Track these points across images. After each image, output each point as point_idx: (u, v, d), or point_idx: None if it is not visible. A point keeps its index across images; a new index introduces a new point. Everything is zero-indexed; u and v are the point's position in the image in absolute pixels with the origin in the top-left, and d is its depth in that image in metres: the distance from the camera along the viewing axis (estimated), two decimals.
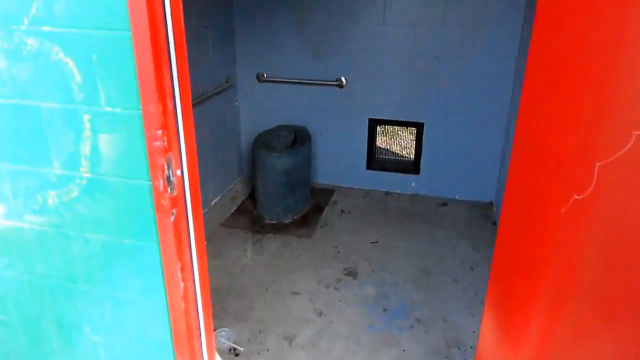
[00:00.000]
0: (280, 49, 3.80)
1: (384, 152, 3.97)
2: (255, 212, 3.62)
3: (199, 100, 3.30)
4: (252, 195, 3.82)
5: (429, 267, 3.03)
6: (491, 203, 3.79)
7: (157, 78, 1.33)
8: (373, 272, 2.98)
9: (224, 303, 2.71)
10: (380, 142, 3.93)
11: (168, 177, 1.44)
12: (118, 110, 1.42)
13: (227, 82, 3.77)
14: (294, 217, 3.56)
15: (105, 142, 1.48)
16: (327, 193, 3.96)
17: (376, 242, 3.30)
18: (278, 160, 3.34)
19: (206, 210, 3.67)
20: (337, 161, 4.03)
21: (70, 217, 1.63)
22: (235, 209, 3.72)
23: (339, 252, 3.19)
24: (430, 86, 3.60)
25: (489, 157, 3.67)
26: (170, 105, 1.40)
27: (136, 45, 1.31)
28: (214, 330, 2.44)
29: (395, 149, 3.92)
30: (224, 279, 2.91)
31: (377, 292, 2.80)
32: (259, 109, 4.05)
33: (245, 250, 3.21)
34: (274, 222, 3.51)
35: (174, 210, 1.50)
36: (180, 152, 1.48)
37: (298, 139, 3.65)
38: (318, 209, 3.71)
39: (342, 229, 3.45)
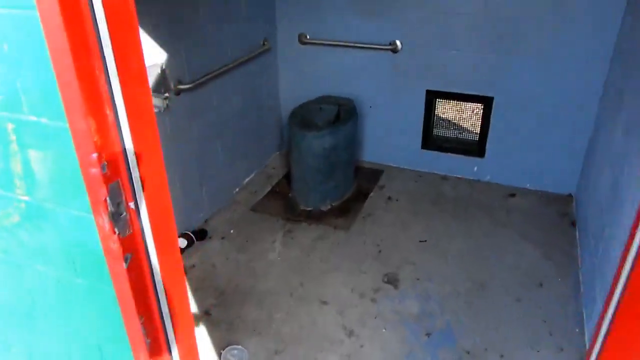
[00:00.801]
0: (326, 5, 3.26)
1: (442, 129, 3.40)
2: (290, 195, 3.22)
3: (227, 68, 2.87)
4: (289, 174, 3.41)
5: (485, 278, 2.52)
6: (570, 196, 3.17)
7: (81, 79, 0.90)
8: (418, 281, 2.52)
9: (242, 310, 2.37)
10: (439, 117, 3.35)
11: (113, 214, 1.04)
12: (44, 120, 1.02)
13: (263, 44, 3.30)
14: (333, 204, 3.13)
15: (36, 160, 1.10)
16: (374, 174, 3.48)
17: (425, 241, 2.82)
18: (315, 141, 2.88)
19: (237, 190, 3.32)
20: (387, 138, 3.51)
21: (15, 244, 1.29)
22: (269, 189, 3.34)
23: (380, 251, 2.74)
24: (504, 54, 2.95)
25: (572, 143, 3.03)
26: (110, 117, 0.98)
27: (45, 28, 0.88)
28: (224, 349, 2.11)
29: (457, 126, 3.34)
30: (245, 279, 2.56)
31: (421, 309, 2.35)
32: (300, 76, 3.57)
33: (274, 242, 2.84)
34: (310, 209, 3.09)
35: (128, 255, 1.11)
36: (132, 180, 1.07)
37: (342, 113, 3.15)
38: (361, 195, 3.25)
39: (387, 221, 2.99)
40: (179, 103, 2.59)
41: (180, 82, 2.56)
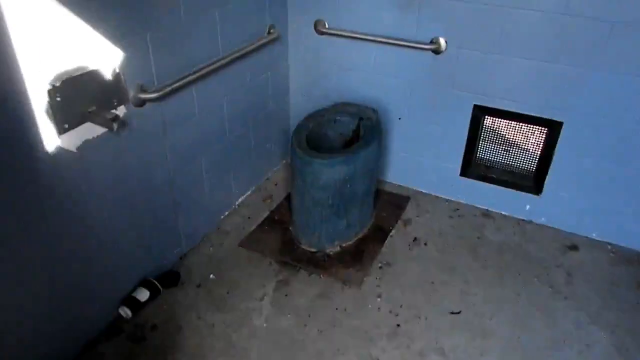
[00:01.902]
0: None
1: (489, 154, 2.68)
2: (290, 229, 2.56)
3: (216, 66, 2.18)
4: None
5: None
6: None
7: None
8: None
9: None
10: (486, 139, 2.62)
11: None
12: None
13: (269, 32, 2.58)
14: (343, 245, 2.47)
15: None
16: (398, 203, 2.79)
17: (459, 312, 2.15)
18: (324, 170, 2.20)
19: (227, 214, 2.68)
20: (418, 158, 2.80)
21: None
22: (266, 216, 2.69)
23: (398, 324, 2.09)
24: (586, 67, 2.19)
25: None
26: None
27: None
28: None
29: (508, 153, 2.61)
30: (216, 355, 1.95)
31: None
32: (315, 74, 2.85)
33: (263, 298, 2.20)
34: (313, 250, 2.44)
35: None
36: None
37: (363, 129, 2.45)
38: (380, 232, 2.58)
39: (410, 277, 2.32)
40: (143, 116, 1.93)
41: (144, 90, 1.88)
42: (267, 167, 2.98)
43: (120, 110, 1.82)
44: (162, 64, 1.94)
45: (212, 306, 2.15)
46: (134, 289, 2.13)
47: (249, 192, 2.84)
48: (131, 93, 1.84)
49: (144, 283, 2.16)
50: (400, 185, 2.93)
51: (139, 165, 1.98)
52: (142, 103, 1.90)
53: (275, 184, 2.95)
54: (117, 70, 1.76)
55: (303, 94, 2.95)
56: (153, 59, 1.90)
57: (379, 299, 2.19)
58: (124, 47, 1.76)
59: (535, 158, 2.56)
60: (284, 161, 3.12)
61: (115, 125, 1.66)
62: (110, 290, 2.03)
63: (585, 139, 2.35)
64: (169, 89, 1.94)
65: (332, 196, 2.26)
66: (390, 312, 2.14)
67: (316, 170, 2.19)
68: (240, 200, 2.78)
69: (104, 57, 1.70)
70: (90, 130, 1.71)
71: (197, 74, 2.09)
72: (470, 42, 2.37)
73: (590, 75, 2.20)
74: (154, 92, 1.90)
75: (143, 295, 2.12)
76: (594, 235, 2.56)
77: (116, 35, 1.71)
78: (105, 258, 1.94)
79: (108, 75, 1.73)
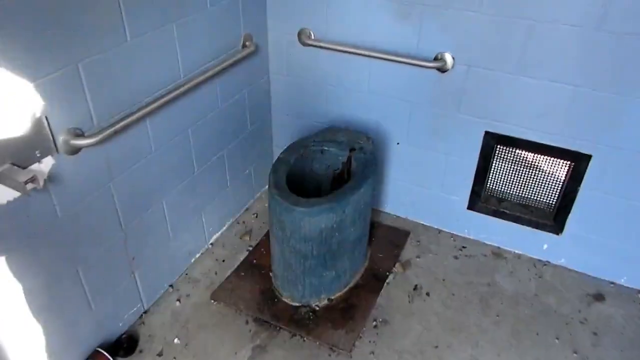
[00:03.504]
0: None
1: (502, 187, 2.31)
2: (270, 275, 2.20)
3: (175, 94, 1.79)
4: None
5: None
6: None
7: None
8: None
9: None
10: (500, 171, 2.25)
11: None
12: None
13: (244, 45, 2.18)
14: (331, 298, 2.11)
15: None
16: (397, 239, 2.43)
17: None
18: (307, 220, 1.83)
19: (197, 256, 2.31)
20: (420, 188, 2.44)
21: None
22: (243, 258, 2.32)
23: None
24: (626, 94, 1.82)
25: None
26: None
27: None
28: None
29: (524, 187, 2.24)
30: None
31: None
32: (300, 91, 2.46)
33: None
34: (296, 304, 2.08)
35: None
36: None
37: (354, 162, 2.08)
38: (375, 278, 2.22)
39: (411, 337, 1.97)
40: (80, 164, 1.55)
41: (78, 134, 1.50)
42: (246, 196, 2.61)
43: (46, 164, 1.44)
44: (102, 99, 1.56)
45: None
46: None
47: (224, 227, 2.48)
48: (60, 140, 1.46)
49: (93, 356, 1.80)
50: (399, 217, 2.57)
51: (76, 225, 1.60)
52: (76, 150, 1.52)
53: (255, 216, 2.59)
54: (38, 115, 1.37)
55: (287, 113, 2.56)
56: (89, 94, 1.51)
57: None
58: (46, 84, 1.37)
59: (557, 193, 2.19)
60: (265, 187, 2.74)
61: (29, 189, 1.28)
62: None
63: (617, 175, 1.98)
64: (112, 130, 1.56)
65: (317, 247, 1.90)
66: None
67: (297, 219, 1.82)
68: (214, 237, 2.41)
69: (17, 99, 1.31)
70: (2, 194, 1.34)
71: (152, 106, 1.70)
72: (483, 59, 1.98)
73: (628, 104, 1.82)
74: (91, 135, 1.51)
75: None
76: (622, 281, 2.21)
77: (33, 68, 1.32)
78: (43, 328, 1.58)
79: (26, 122, 1.34)
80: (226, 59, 2.05)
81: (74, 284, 1.66)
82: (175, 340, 1.95)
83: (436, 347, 1.94)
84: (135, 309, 2.00)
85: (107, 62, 1.54)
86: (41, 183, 1.40)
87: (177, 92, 1.80)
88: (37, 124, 1.38)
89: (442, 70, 2.07)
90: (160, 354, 1.90)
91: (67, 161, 1.51)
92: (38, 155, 1.41)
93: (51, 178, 1.46)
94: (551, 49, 1.84)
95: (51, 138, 1.43)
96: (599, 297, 2.16)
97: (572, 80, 1.86)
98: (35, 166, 1.41)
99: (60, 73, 1.40)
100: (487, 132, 2.13)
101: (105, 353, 1.80)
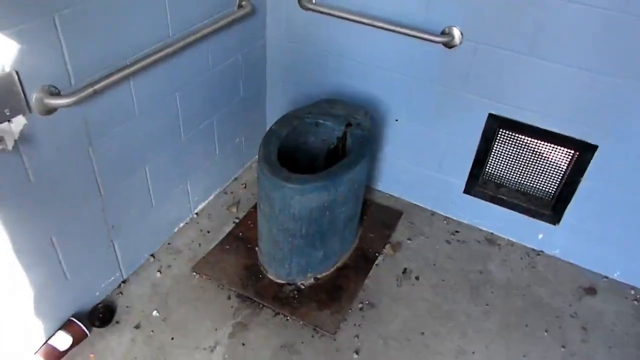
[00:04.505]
0: None
1: (501, 172, 2.22)
2: (256, 249, 2.12)
3: (164, 53, 1.67)
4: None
5: None
6: None
7: None
8: None
9: None
10: (501, 155, 2.16)
11: None
12: None
13: (239, 6, 2.04)
14: (318, 277, 2.04)
15: None
16: (389, 219, 2.35)
17: None
18: (297, 198, 1.74)
19: (181, 226, 2.22)
20: (416, 167, 2.34)
21: None
22: (228, 231, 2.24)
23: None
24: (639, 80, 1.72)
25: None
26: None
27: None
28: None
29: (524, 174, 2.16)
30: None
31: None
32: (298, 58, 2.33)
33: (214, 347, 1.79)
34: (281, 282, 2.01)
35: None
36: None
37: (350, 138, 1.98)
38: (364, 259, 2.15)
39: (397, 323, 1.92)
40: (55, 125, 1.43)
41: (53, 93, 1.38)
42: (235, 166, 2.51)
43: (17, 123, 1.32)
44: (80, 56, 1.43)
45: (151, 359, 1.74)
46: (53, 334, 1.70)
47: (211, 197, 2.38)
48: (34, 98, 1.34)
49: (67, 325, 1.73)
50: (392, 196, 2.48)
51: (50, 191, 1.49)
52: (51, 110, 1.40)
53: (244, 186, 2.49)
54: (7, 70, 1.25)
55: (283, 81, 2.43)
56: (66, 49, 1.38)
57: (356, 356, 1.79)
58: (17, 35, 1.24)
59: (557, 183, 2.11)
60: (256, 157, 2.63)
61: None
62: (18, 339, 1.60)
63: (622, 168, 1.90)
64: (91, 89, 1.43)
65: (307, 226, 1.82)
66: None
67: (287, 196, 1.73)
68: (199, 207, 2.32)
69: None
70: None
71: (136, 66, 1.58)
72: (493, 36, 1.86)
73: None
74: (68, 95, 1.39)
75: (64, 342, 1.69)
76: (615, 276, 2.16)
77: (3, 17, 1.19)
78: (14, 297, 1.50)
79: None
80: (220, 19, 1.91)
81: (48, 252, 1.57)
82: (154, 313, 1.88)
83: (423, 334, 1.89)
84: (113, 278, 1.92)
85: (87, 15, 1.41)
86: (9, 145, 1.29)
87: (165, 52, 1.67)
88: (7, 79, 1.25)
89: (449, 45, 1.95)
90: (137, 327, 1.83)
91: (41, 122, 1.39)
92: (7, 113, 1.29)
93: (22, 139, 1.35)
94: (567, 30, 1.72)
95: (23, 95, 1.30)
96: (591, 291, 2.11)
97: (587, 65, 1.75)
98: (4, 126, 1.29)
99: (33, 24, 1.27)
100: (490, 114, 2.03)
101: (79, 323, 1.73)
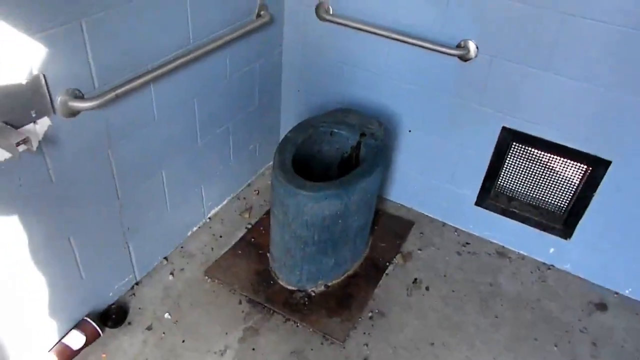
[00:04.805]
0: None
1: (513, 185, 2.23)
2: (268, 255, 2.14)
3: (185, 59, 1.70)
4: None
5: None
6: None
7: None
8: None
9: None
10: (513, 169, 2.17)
11: None
12: None
13: (258, 15, 2.08)
14: (328, 285, 2.06)
15: None
16: (400, 229, 2.36)
17: None
18: (310, 205, 1.76)
19: (194, 230, 2.25)
20: (427, 178, 2.36)
21: None
22: (241, 236, 2.26)
23: None
24: None
25: None
26: None
27: None
28: None
29: (537, 187, 2.16)
30: None
31: None
32: (314, 68, 2.36)
33: (225, 351, 1.81)
34: (292, 288, 2.03)
35: None
36: None
37: (364, 148, 2.00)
38: (374, 268, 2.16)
39: (407, 332, 1.93)
40: (78, 128, 1.47)
41: (78, 96, 1.42)
42: (249, 172, 2.53)
43: (42, 125, 1.36)
44: (105, 61, 1.46)
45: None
46: (67, 333, 1.73)
47: (224, 202, 2.41)
48: (58, 100, 1.37)
49: (80, 325, 1.76)
50: (403, 206, 2.50)
51: (70, 192, 1.53)
52: (75, 113, 1.44)
53: (257, 192, 2.51)
54: (36, 72, 1.28)
55: (298, 90, 2.47)
56: (91, 53, 1.42)
57: None
58: (46, 40, 1.28)
59: (570, 197, 2.11)
60: (270, 164, 2.67)
61: (20, 152, 1.20)
62: (33, 337, 1.63)
63: (636, 184, 1.90)
64: (113, 94, 1.47)
65: (319, 233, 1.84)
66: None
67: (301, 203, 1.75)
68: (212, 212, 2.34)
69: (15, 54, 1.22)
70: None
71: (157, 72, 1.61)
72: (508, 51, 1.88)
73: None
74: (92, 98, 1.43)
75: (77, 341, 1.72)
76: (627, 292, 2.15)
77: (34, 22, 1.23)
78: (31, 295, 1.53)
79: (22, 79, 1.26)
80: (239, 28, 1.95)
81: (65, 252, 1.60)
82: (166, 316, 1.90)
83: (432, 344, 1.89)
84: (126, 279, 1.94)
85: (113, 21, 1.45)
86: (34, 145, 1.33)
87: (185, 58, 1.71)
88: (34, 82, 1.29)
89: (464, 58, 1.97)
90: (149, 328, 1.85)
91: (65, 124, 1.42)
92: (34, 115, 1.32)
93: (46, 141, 1.38)
94: (584, 47, 1.74)
95: (48, 98, 1.34)
96: (602, 307, 2.10)
97: (603, 82, 1.77)
98: (30, 127, 1.33)
99: (62, 29, 1.31)
100: (504, 128, 2.05)
101: (92, 323, 1.76)
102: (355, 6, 2.08)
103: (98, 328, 1.76)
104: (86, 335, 1.74)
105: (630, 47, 1.67)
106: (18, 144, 1.20)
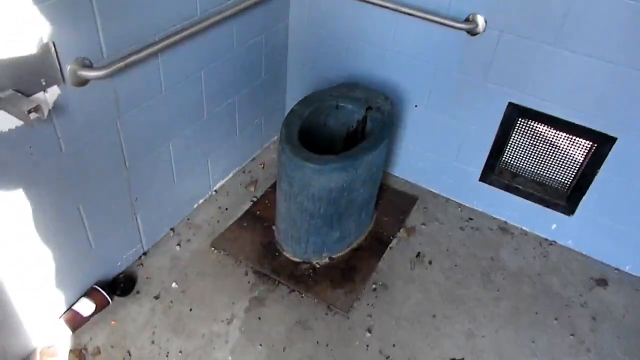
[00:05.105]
0: None
1: (518, 162, 2.24)
2: (273, 228, 2.17)
3: (191, 30, 1.69)
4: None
5: None
6: None
7: None
8: None
9: None
10: (518, 145, 2.17)
11: None
12: None
13: None
14: (333, 257, 2.09)
15: None
16: (404, 204, 2.38)
17: (462, 359, 1.81)
18: (317, 177, 1.77)
19: (200, 203, 2.27)
20: (433, 154, 2.37)
21: None
22: (246, 209, 2.28)
23: None
24: None
25: None
26: None
27: None
28: None
29: (541, 164, 2.17)
30: None
31: None
32: (321, 41, 2.35)
33: (231, 320, 1.85)
34: (297, 260, 2.06)
35: None
36: None
37: (370, 122, 2.00)
38: (379, 242, 2.19)
39: (409, 304, 1.96)
40: (87, 97, 1.48)
41: (87, 65, 1.42)
42: (254, 146, 2.54)
43: (52, 93, 1.36)
44: (113, 30, 1.46)
45: (170, 328, 1.80)
46: (77, 300, 1.77)
47: (230, 175, 2.42)
48: (68, 69, 1.38)
49: (90, 293, 1.79)
50: (408, 182, 2.51)
51: (79, 161, 1.54)
52: (84, 82, 1.44)
53: (262, 166, 2.53)
54: (45, 40, 1.29)
55: (304, 64, 2.46)
56: (100, 23, 1.42)
57: (368, 334, 1.84)
58: (56, 8, 1.27)
59: (574, 174, 2.12)
60: (275, 138, 2.67)
61: (32, 119, 1.21)
62: (44, 304, 1.66)
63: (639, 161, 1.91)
64: (122, 63, 1.47)
65: (325, 206, 1.85)
66: (381, 352, 1.79)
67: (307, 176, 1.76)
68: (218, 185, 2.36)
69: (26, 22, 1.22)
70: (3, 121, 1.27)
71: (165, 42, 1.61)
72: (518, 25, 1.86)
73: None
74: (100, 68, 1.43)
75: (87, 308, 1.76)
76: (627, 269, 2.18)
77: None
78: (43, 263, 1.56)
79: (32, 47, 1.26)
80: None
81: (75, 221, 1.62)
82: (173, 285, 1.94)
83: (434, 316, 1.93)
84: (134, 249, 1.97)
85: None
86: (45, 113, 1.33)
87: (193, 29, 1.70)
88: (44, 50, 1.29)
89: (472, 33, 1.96)
90: (157, 297, 1.89)
91: (74, 93, 1.43)
92: (43, 83, 1.33)
93: (56, 109, 1.39)
94: (595, 22, 1.72)
95: (58, 66, 1.34)
96: (602, 282, 2.13)
97: (613, 58, 1.76)
98: (40, 95, 1.34)
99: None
100: (510, 104, 2.05)
101: (102, 291, 1.79)
102: None
103: (107, 296, 1.80)
104: (96, 303, 1.77)
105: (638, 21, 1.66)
106: (30, 112, 1.20)
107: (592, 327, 1.95)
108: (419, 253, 2.17)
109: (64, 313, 1.74)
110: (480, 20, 1.92)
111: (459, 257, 2.17)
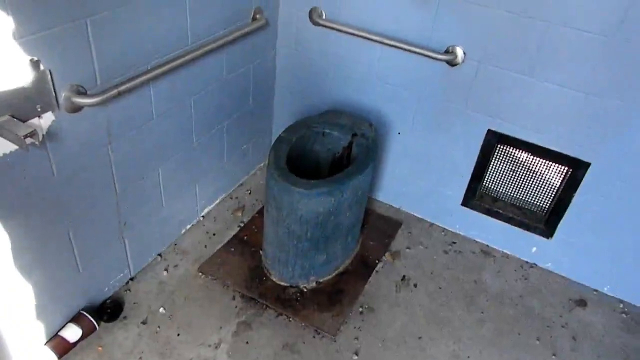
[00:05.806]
0: None
1: (498, 186, 2.31)
2: (260, 252, 2.19)
3: (184, 59, 1.75)
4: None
5: None
6: None
7: None
8: None
9: None
10: (498, 170, 2.25)
11: None
12: None
13: (254, 18, 2.14)
14: (320, 281, 2.11)
15: None
16: (389, 228, 2.43)
17: None
18: (305, 202, 1.82)
19: (188, 228, 2.29)
20: (416, 180, 2.44)
21: None
22: (234, 234, 2.31)
23: None
24: (634, 102, 1.82)
25: None
26: None
27: None
28: None
29: (520, 188, 2.25)
30: None
31: None
32: (307, 71, 2.43)
33: (218, 345, 1.85)
34: (284, 284, 2.08)
35: None
36: None
37: (355, 148, 2.07)
38: (364, 265, 2.23)
39: (396, 327, 1.99)
40: (80, 123, 1.51)
41: (81, 92, 1.46)
42: (241, 172, 2.58)
43: (46, 119, 1.40)
44: (107, 58, 1.51)
45: (157, 353, 1.80)
46: (63, 326, 1.76)
47: (217, 201, 2.45)
48: (63, 96, 1.42)
49: (77, 318, 1.78)
50: (392, 207, 2.57)
51: (70, 186, 1.57)
52: (78, 108, 1.48)
53: (249, 192, 2.56)
54: (43, 68, 1.33)
55: (291, 92, 2.53)
56: (95, 51, 1.46)
57: (355, 357, 1.86)
58: (54, 37, 1.32)
59: (551, 198, 2.20)
60: (262, 164, 2.72)
61: (28, 144, 1.24)
62: (30, 329, 1.65)
63: (614, 185, 2.00)
64: (115, 91, 1.51)
65: (312, 229, 1.89)
66: None
67: (295, 200, 1.81)
68: (205, 210, 2.39)
69: (22, 49, 1.26)
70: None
71: (157, 70, 1.66)
72: (495, 57, 1.97)
73: (636, 114, 1.83)
74: (94, 95, 1.47)
75: (74, 334, 1.75)
76: (605, 290, 2.24)
77: (42, 19, 1.27)
78: (30, 287, 1.56)
79: (29, 74, 1.30)
80: (235, 30, 2.01)
81: (64, 245, 1.63)
82: (161, 310, 1.94)
83: (419, 338, 1.96)
84: (122, 274, 1.98)
85: (116, 21, 1.49)
86: (40, 138, 1.36)
87: (184, 59, 1.76)
88: (41, 77, 1.33)
89: (452, 63, 2.06)
90: (144, 322, 1.89)
91: (68, 119, 1.46)
92: (39, 109, 1.36)
93: (50, 135, 1.43)
94: (568, 54, 1.83)
95: (53, 93, 1.38)
96: (582, 303, 2.19)
97: (583, 87, 1.86)
98: (35, 121, 1.37)
99: (68, 26, 1.35)
100: (489, 130, 2.13)
101: (89, 316, 1.79)
102: (347, 11, 2.16)
103: (94, 321, 1.79)
104: (82, 329, 1.76)
105: (608, 54, 1.76)
106: (26, 137, 1.24)
107: (572, 347, 2.00)
108: (404, 276, 2.21)
109: (50, 339, 1.73)
110: (459, 51, 2.02)
111: (443, 280, 2.21)
